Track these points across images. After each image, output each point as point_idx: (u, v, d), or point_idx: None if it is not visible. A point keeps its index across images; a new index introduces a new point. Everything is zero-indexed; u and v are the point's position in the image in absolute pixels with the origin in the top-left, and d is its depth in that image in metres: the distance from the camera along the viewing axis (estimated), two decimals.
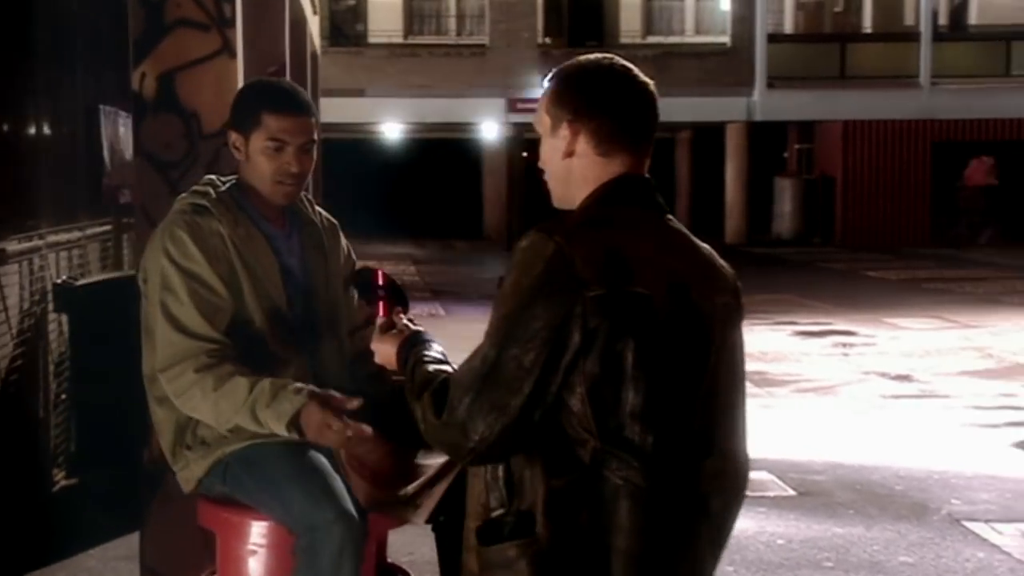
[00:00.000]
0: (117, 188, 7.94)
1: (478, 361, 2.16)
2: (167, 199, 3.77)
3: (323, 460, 2.91)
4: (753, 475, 6.54)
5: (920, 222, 26.47)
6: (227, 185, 3.08)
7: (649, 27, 27.81)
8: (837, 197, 26.69)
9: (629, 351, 2.11)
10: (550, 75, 2.35)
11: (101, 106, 7.98)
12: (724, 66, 26.33)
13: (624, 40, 27.05)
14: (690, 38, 27.43)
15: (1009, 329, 12.97)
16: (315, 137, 3.06)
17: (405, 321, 2.55)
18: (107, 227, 7.82)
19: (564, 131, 2.27)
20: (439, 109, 25.62)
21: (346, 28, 26.82)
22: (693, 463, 2.19)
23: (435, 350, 2.38)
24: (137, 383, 3.07)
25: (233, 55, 3.80)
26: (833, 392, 9.60)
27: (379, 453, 2.87)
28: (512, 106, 26.03)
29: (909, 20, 28.05)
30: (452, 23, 27.47)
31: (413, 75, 25.80)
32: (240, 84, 3.83)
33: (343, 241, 3.23)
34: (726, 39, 26.60)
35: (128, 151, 10.98)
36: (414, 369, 2.32)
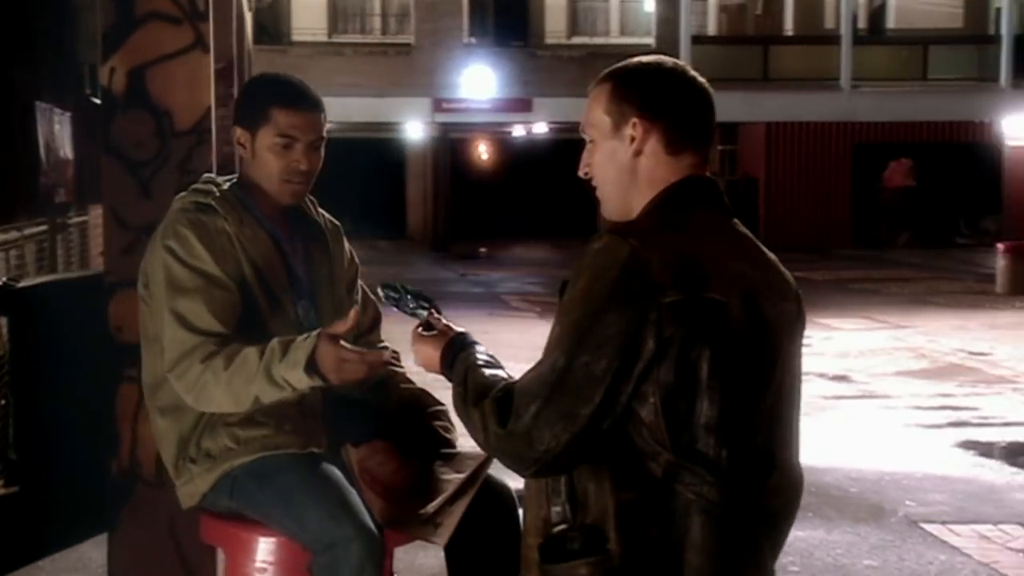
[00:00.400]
0: (53, 187, 7.73)
1: (547, 368, 2.06)
2: (137, 199, 3.63)
3: (338, 473, 2.78)
4: None
5: (841, 223, 26.81)
6: (228, 184, 2.95)
7: (574, 28, 27.86)
8: (760, 198, 26.94)
9: (704, 360, 2.04)
10: (602, 76, 2.26)
11: (37, 103, 7.76)
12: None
13: (549, 40, 27.09)
14: (615, 39, 27.52)
15: (938, 329, 13.12)
16: (324, 134, 2.94)
17: (445, 322, 2.44)
18: (43, 227, 7.61)
19: (632, 129, 2.18)
20: (364, 108, 25.43)
21: (269, 26, 26.52)
22: (761, 477, 2.12)
23: (483, 353, 2.28)
24: (86, 390, 2.92)
25: (207, 50, 3.66)
26: None
27: (391, 466, 2.75)
28: (438, 106, 25.94)
29: (829, 23, 28.40)
30: (377, 22, 27.30)
31: (338, 74, 25.57)
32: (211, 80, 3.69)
33: (346, 244, 3.11)
34: (651, 40, 26.70)
35: (64, 149, 10.74)
36: (467, 374, 2.22)
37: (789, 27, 28.86)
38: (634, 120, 2.18)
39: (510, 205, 29.97)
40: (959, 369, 10.67)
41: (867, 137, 26.78)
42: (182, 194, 2.96)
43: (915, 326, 13.40)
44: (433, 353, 2.35)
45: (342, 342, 2.64)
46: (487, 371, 2.20)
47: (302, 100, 2.91)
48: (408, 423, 2.89)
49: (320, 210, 3.09)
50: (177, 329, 2.77)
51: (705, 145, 2.21)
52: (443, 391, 3.11)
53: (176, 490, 2.93)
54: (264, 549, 2.78)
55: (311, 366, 2.63)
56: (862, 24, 28.11)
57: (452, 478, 2.70)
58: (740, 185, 27.64)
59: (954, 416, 8.67)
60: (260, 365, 2.67)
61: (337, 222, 3.12)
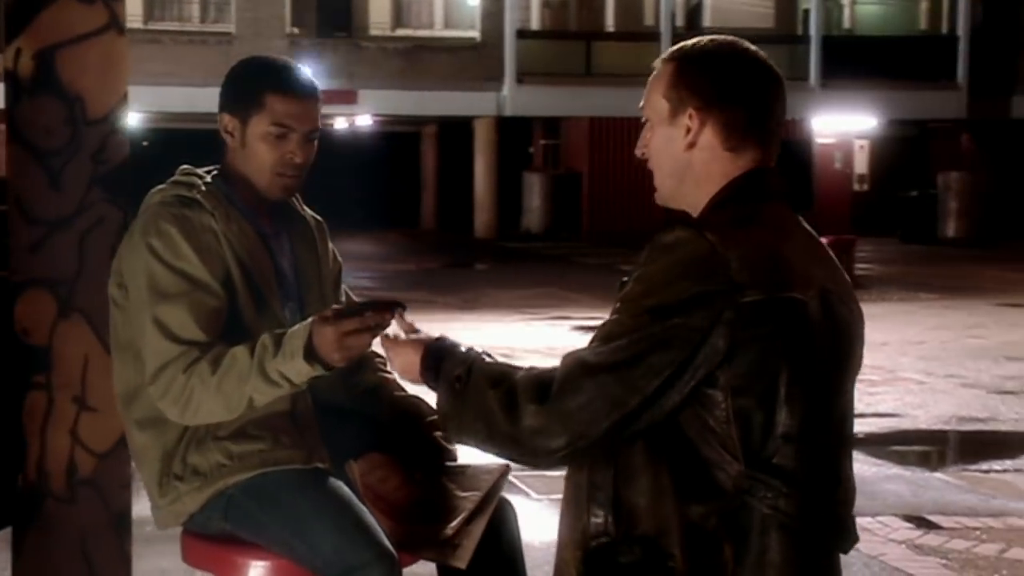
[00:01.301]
0: None
1: (605, 353, 1.92)
2: (46, 192, 3.36)
3: (347, 490, 2.56)
4: None
5: (662, 217, 27.18)
6: (210, 176, 2.71)
7: (399, 20, 27.61)
8: (584, 192, 27.20)
9: (784, 365, 1.92)
10: (669, 55, 2.12)
11: None
12: (474, 61, 26.39)
13: (373, 32, 26.79)
14: (440, 32, 27.39)
15: None
16: (320, 124, 2.73)
17: (416, 327, 2.29)
18: None
19: (687, 120, 2.06)
20: (184, 99, 24.67)
21: None
22: (832, 489, 2.02)
23: (472, 350, 2.13)
24: None
25: (121, 31, 3.39)
26: None
27: (393, 482, 2.55)
28: None
29: (649, 20, 28.84)
30: (195, 10, 26.54)
31: (154, 63, 24.72)
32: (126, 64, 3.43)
33: (329, 241, 2.90)
34: (475, 34, 26.67)
35: None
36: (471, 366, 2.07)
37: (610, 23, 29.20)
38: (691, 111, 2.06)
39: (333, 197, 29.55)
40: None
41: None
42: (160, 187, 2.70)
43: None
44: (412, 358, 2.19)
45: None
46: (494, 361, 2.09)
47: (299, 86, 2.68)
48: (405, 434, 2.70)
49: (303, 206, 2.87)
50: (159, 339, 2.53)
51: (771, 138, 2.09)
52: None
53: (156, 510, 2.66)
54: (262, 574, 2.55)
55: (311, 353, 2.42)
56: (680, 22, 28.62)
57: (467, 495, 2.52)
58: (564, 180, 27.86)
59: None
60: (252, 363, 2.46)
61: (320, 218, 2.91)
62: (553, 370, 1.99)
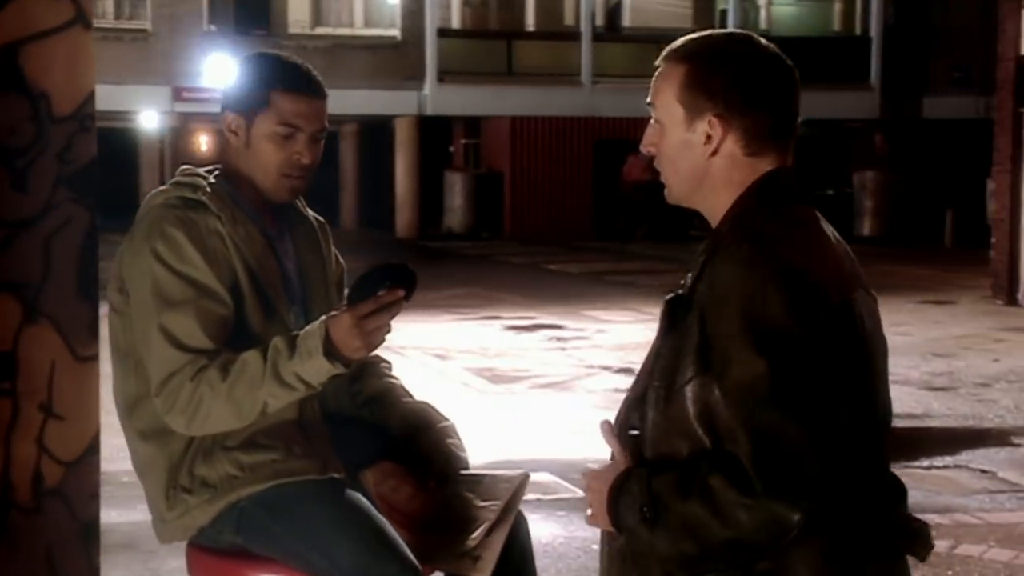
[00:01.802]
0: None
1: (773, 416, 1.78)
2: (10, 192, 3.22)
3: (366, 501, 2.46)
4: (538, 477, 6.40)
5: (584, 217, 27.33)
6: (213, 177, 2.61)
7: (318, 18, 27.38)
8: (506, 192, 27.18)
9: (855, 368, 1.88)
10: (679, 54, 2.00)
11: None
12: (394, 59, 26.28)
13: (293, 30, 26.53)
14: (360, 30, 27.20)
15: None
16: (327, 125, 2.65)
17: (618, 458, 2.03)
18: None
19: (708, 128, 1.95)
20: (99, 97, 24.23)
21: None
22: (882, 490, 1.98)
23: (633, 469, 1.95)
24: None
25: (88, 26, 3.27)
26: (569, 387, 9.65)
27: (406, 491, 2.47)
28: (178, 95, 25.02)
29: (569, 20, 28.91)
30: (110, 5, 26.06)
31: None
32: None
33: (331, 244, 2.81)
34: (396, 32, 26.55)
35: None
36: (649, 486, 1.88)
37: (531, 23, 29.22)
38: (711, 118, 1.95)
39: None
40: None
41: (608, 133, 27.38)
42: (162, 188, 2.60)
43: None
44: (603, 496, 1.98)
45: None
46: (660, 474, 1.89)
47: (308, 85, 2.60)
48: (415, 442, 2.62)
49: (305, 206, 2.79)
50: (165, 348, 2.43)
51: (791, 139, 2.02)
52: (444, 405, 2.84)
53: (161, 523, 2.56)
54: None
55: (330, 350, 2.33)
56: (600, 21, 28.74)
57: (487, 505, 2.44)
58: (486, 179, 27.81)
59: None
60: (265, 367, 2.37)
61: (322, 219, 2.83)
62: (726, 453, 1.83)
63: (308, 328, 2.40)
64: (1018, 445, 7.81)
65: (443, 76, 26.16)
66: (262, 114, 2.58)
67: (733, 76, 1.95)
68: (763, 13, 31.04)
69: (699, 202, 2.04)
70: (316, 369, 2.35)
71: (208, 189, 2.57)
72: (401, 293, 2.32)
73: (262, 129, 2.58)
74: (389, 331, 2.38)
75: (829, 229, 2.01)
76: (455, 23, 28.67)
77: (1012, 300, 14.91)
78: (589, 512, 2.04)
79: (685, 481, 1.84)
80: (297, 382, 2.37)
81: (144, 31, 25.28)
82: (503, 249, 23.93)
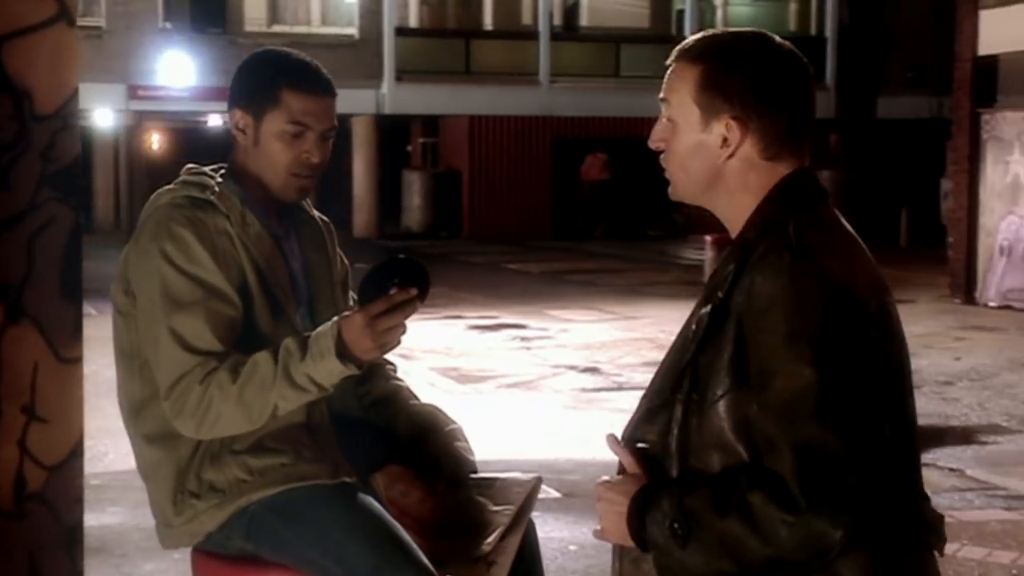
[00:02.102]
0: None
1: (815, 431, 1.75)
2: None
3: (379, 507, 2.42)
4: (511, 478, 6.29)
5: (542, 216, 27.34)
6: (219, 175, 2.57)
7: (275, 16, 27.21)
8: (464, 191, 27.14)
9: (893, 375, 1.86)
10: (693, 52, 1.94)
11: None
12: (352, 58, 26.14)
13: (249, 28, 26.36)
14: (317, 28, 27.05)
15: (666, 319, 13.49)
16: (336, 123, 2.61)
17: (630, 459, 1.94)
18: None
19: (724, 130, 1.90)
20: None
21: None
22: (915, 491, 1.96)
23: (666, 485, 1.87)
24: None
25: (72, 23, 3.22)
26: (536, 387, 9.64)
27: (416, 495, 2.43)
28: (133, 93, 24.81)
29: (527, 19, 28.90)
30: None
31: None
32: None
33: (336, 244, 2.77)
34: (354, 31, 26.43)
35: None
36: (680, 502, 1.81)
37: (489, 22, 29.19)
38: (728, 120, 1.91)
39: None
40: None
41: (566, 132, 27.40)
42: (168, 187, 2.55)
43: (643, 316, 13.75)
44: (619, 509, 1.87)
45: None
46: (694, 490, 1.82)
47: (317, 82, 2.56)
48: (423, 445, 2.58)
49: (311, 206, 2.75)
50: (175, 349, 2.38)
51: (807, 139, 1.97)
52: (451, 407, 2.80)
53: (167, 528, 2.50)
54: None
55: (342, 351, 2.29)
56: (557, 21, 28.74)
57: (501, 510, 2.41)
58: (444, 178, 27.76)
59: None
60: (276, 369, 2.32)
61: (327, 219, 2.79)
62: (766, 469, 1.78)
63: (320, 329, 2.36)
64: (984, 443, 7.88)
65: (401, 75, 26.07)
66: (271, 112, 2.53)
67: (750, 76, 1.91)
68: (720, 13, 31.16)
69: (709, 202, 1.99)
70: (328, 370, 2.31)
71: (216, 188, 2.52)
72: (414, 292, 2.29)
73: (271, 127, 2.53)
74: (404, 331, 2.35)
75: (852, 231, 1.98)
76: (413, 22, 28.59)
77: (970, 299, 15.05)
78: (598, 527, 1.96)
79: (722, 497, 1.79)
80: (309, 384, 2.33)
81: (98, 28, 25.02)
82: (462, 248, 23.89)
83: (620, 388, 9.62)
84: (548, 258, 21.63)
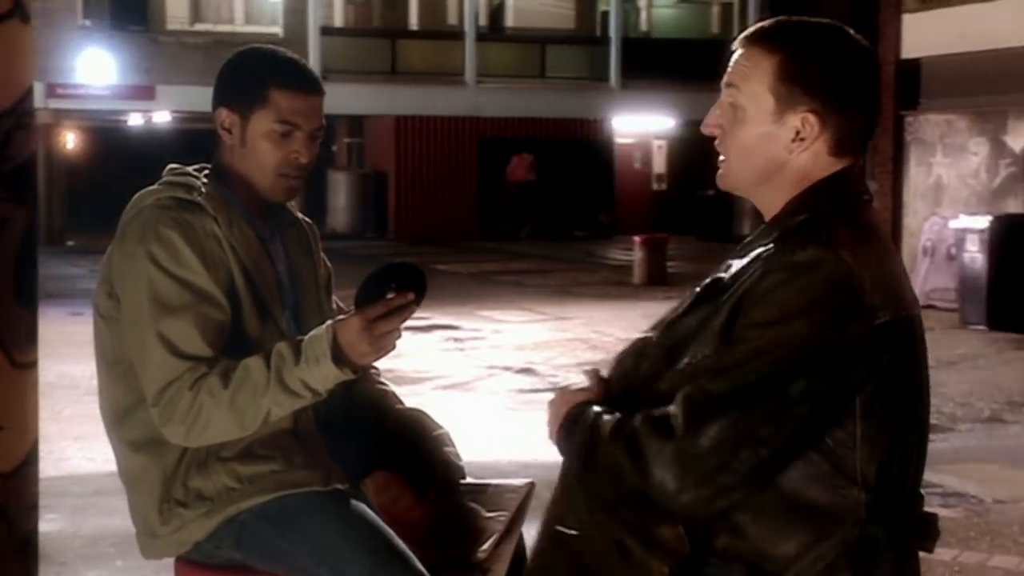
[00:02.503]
0: None
1: (734, 384, 1.74)
2: None
3: (373, 514, 2.36)
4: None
5: (469, 216, 27.31)
6: (204, 176, 2.50)
7: (197, 14, 26.91)
8: (390, 192, 27.03)
9: (909, 386, 1.84)
10: (774, 39, 1.87)
11: None
12: None
13: (171, 26, 26.06)
14: (241, 27, 26.78)
15: (598, 319, 13.55)
16: (324, 123, 2.56)
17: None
18: None
19: (799, 124, 1.86)
20: None
21: None
22: (918, 498, 1.96)
23: (602, 408, 1.90)
24: None
25: (26, 19, 3.09)
26: (472, 388, 9.60)
27: (405, 502, 2.39)
28: (52, 91, 24.39)
29: (453, 19, 28.86)
30: None
31: None
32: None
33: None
34: (278, 30, 26.19)
35: None
36: (594, 426, 1.85)
37: (415, 22, 29.11)
38: (806, 114, 1.86)
39: (128, 196, 28.67)
40: None
41: (492, 132, 27.40)
42: (152, 188, 2.48)
43: (575, 317, 13.77)
44: (554, 421, 1.95)
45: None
46: (607, 415, 1.85)
47: (306, 81, 2.49)
48: (412, 450, 2.53)
49: (295, 208, 2.69)
50: (163, 355, 2.32)
51: (867, 144, 1.96)
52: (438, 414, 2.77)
53: (151, 538, 2.42)
54: None
55: (338, 355, 2.25)
56: (483, 21, 28.74)
57: (495, 516, 2.37)
58: (370, 179, 27.64)
59: None
60: (269, 374, 2.27)
61: (310, 221, 2.73)
62: (668, 408, 1.80)
63: (314, 333, 2.31)
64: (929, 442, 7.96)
65: (326, 74, 25.80)
66: (259, 111, 2.47)
67: (833, 69, 1.86)
68: (644, 15, 31.36)
69: (760, 195, 1.94)
70: (324, 375, 2.27)
71: (202, 190, 2.46)
72: (411, 296, 2.26)
73: (259, 127, 2.48)
74: (399, 336, 2.31)
75: (886, 235, 1.96)
76: (338, 21, 28.42)
77: None
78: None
79: (620, 425, 1.82)
80: (303, 389, 2.29)
81: None
82: (389, 249, 23.79)
83: (556, 389, 9.61)
84: (476, 259, 21.60)
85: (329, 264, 2.74)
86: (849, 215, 1.88)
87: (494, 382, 9.85)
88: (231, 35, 26.07)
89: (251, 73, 2.51)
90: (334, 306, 2.69)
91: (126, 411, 2.43)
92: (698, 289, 1.93)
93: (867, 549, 1.83)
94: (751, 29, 1.94)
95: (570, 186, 27.88)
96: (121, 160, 29.12)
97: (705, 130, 1.96)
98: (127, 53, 25.03)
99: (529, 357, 11.01)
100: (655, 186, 30.88)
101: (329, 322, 2.32)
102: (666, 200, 30.45)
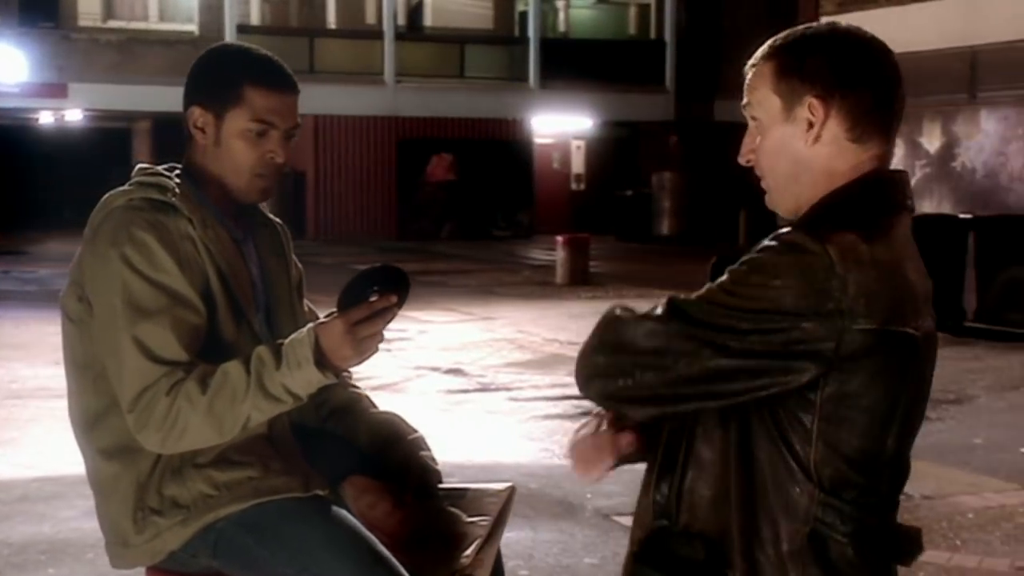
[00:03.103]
0: None
1: (693, 305, 1.79)
2: None
3: (355, 520, 2.28)
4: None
5: (388, 216, 27.17)
6: (175, 176, 2.39)
7: (110, 11, 26.47)
8: (308, 192, 26.79)
9: (885, 397, 1.81)
10: (769, 50, 1.91)
11: None
12: (192, 55, 25.35)
13: (84, 23, 25.61)
14: (155, 24, 26.43)
15: (522, 319, 13.51)
16: (300, 121, 2.47)
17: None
18: None
19: (807, 112, 1.86)
20: None
21: None
22: (896, 509, 1.94)
23: None
24: None
25: None
26: (402, 390, 9.50)
27: (383, 507, 2.31)
28: None
29: (371, 19, 28.69)
30: None
31: None
32: None
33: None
34: (194, 28, 25.86)
35: None
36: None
37: (332, 21, 28.89)
38: (810, 100, 1.86)
39: (39, 196, 28.13)
40: (562, 359, 10.98)
41: (411, 132, 27.29)
42: (123, 189, 2.37)
43: (500, 317, 13.73)
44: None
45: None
46: None
47: (281, 79, 2.41)
48: (388, 455, 2.46)
49: (267, 209, 2.60)
50: (138, 360, 2.22)
51: (895, 126, 1.91)
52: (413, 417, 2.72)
53: (124, 547, 2.32)
54: None
55: (320, 359, 2.18)
56: (401, 21, 28.61)
57: (476, 521, 2.31)
58: (288, 179, 27.35)
59: (580, 405, 8.87)
60: (249, 379, 2.19)
61: (281, 221, 2.64)
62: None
63: (295, 337, 2.23)
64: None
65: None
66: (234, 110, 2.39)
67: (827, 56, 1.87)
68: (561, 16, 31.43)
69: (799, 202, 1.91)
70: (307, 380, 2.20)
71: (176, 190, 2.37)
72: (394, 299, 2.20)
73: (234, 126, 2.39)
74: (382, 340, 2.24)
75: (915, 245, 1.92)
76: (255, 19, 28.10)
77: None
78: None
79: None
80: (285, 394, 2.21)
81: None
82: (308, 249, 23.52)
83: (486, 389, 9.57)
84: (397, 259, 21.42)
85: (300, 266, 2.66)
86: (864, 220, 1.84)
87: (423, 383, 9.77)
88: (144, 32, 25.73)
89: (226, 71, 2.42)
90: (306, 308, 2.61)
91: (97, 417, 2.34)
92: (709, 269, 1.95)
93: (819, 546, 1.83)
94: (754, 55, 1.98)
95: (489, 186, 27.87)
96: (32, 159, 28.56)
97: (742, 161, 1.97)
98: (38, 50, 24.54)
99: (457, 357, 10.94)
100: (574, 186, 30.99)
101: (310, 325, 2.25)
102: (585, 200, 30.57)
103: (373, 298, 2.18)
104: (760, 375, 1.77)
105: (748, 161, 1.96)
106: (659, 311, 1.81)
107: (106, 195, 2.39)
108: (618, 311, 1.86)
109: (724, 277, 1.81)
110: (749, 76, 1.94)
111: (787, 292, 1.75)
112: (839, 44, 1.89)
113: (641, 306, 1.91)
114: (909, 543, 1.94)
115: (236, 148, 2.39)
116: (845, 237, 1.80)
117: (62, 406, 2.49)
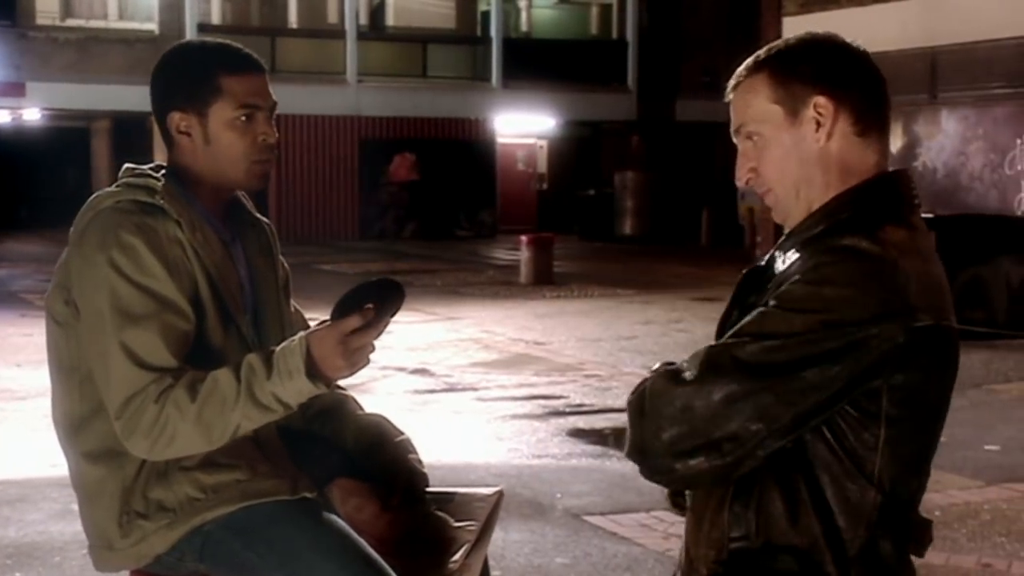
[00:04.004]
0: None
1: (762, 350, 1.74)
2: None
3: (343, 523, 2.26)
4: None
5: (350, 216, 27.08)
6: (161, 176, 2.36)
7: (68, 9, 26.23)
8: (270, 191, 26.63)
9: (938, 394, 1.84)
10: (755, 64, 1.91)
11: None
12: (152, 54, 25.34)
13: (42, 22, 25.38)
14: (114, 23, 26.21)
15: (488, 319, 13.50)
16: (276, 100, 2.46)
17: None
18: None
19: (814, 112, 1.86)
20: None
21: None
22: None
23: None
24: None
25: None
26: (368, 390, 9.45)
27: (370, 510, 2.29)
28: None
29: (333, 18, 28.58)
30: None
31: None
32: None
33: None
34: (154, 26, 25.68)
35: None
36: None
37: (294, 20, 28.76)
38: (815, 99, 1.87)
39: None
40: (528, 359, 11.00)
41: (373, 132, 27.21)
42: (110, 190, 2.33)
43: (465, 317, 13.71)
44: None
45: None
46: None
47: (250, 61, 2.39)
48: (374, 457, 2.44)
49: (254, 209, 2.57)
50: (126, 366, 2.19)
51: (887, 125, 1.94)
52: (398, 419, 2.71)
53: (109, 551, 2.29)
54: None
55: (312, 369, 2.16)
56: (363, 20, 28.51)
57: (464, 526, 2.29)
58: None
59: (547, 405, 8.91)
60: (239, 387, 2.16)
61: (268, 221, 2.61)
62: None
63: (286, 345, 2.21)
64: None
65: None
66: (216, 103, 2.36)
67: (821, 57, 1.90)
68: (524, 16, 31.43)
69: (810, 206, 1.90)
70: (298, 390, 2.17)
71: (164, 193, 2.34)
72: (387, 310, 2.17)
73: (220, 119, 2.36)
74: (373, 350, 2.22)
75: (930, 241, 1.94)
76: (216, 18, 27.92)
77: None
78: None
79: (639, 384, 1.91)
80: (275, 403, 2.18)
81: None
82: None
83: (452, 389, 9.55)
84: (360, 259, 21.41)
85: (287, 266, 2.64)
86: (898, 216, 1.87)
87: (390, 383, 9.74)
88: (104, 31, 25.52)
89: (195, 68, 2.39)
90: (292, 309, 2.59)
91: (82, 421, 2.31)
92: (738, 281, 1.96)
93: (874, 551, 1.85)
94: (735, 73, 1.97)
95: (452, 186, 27.83)
96: None
97: (740, 183, 1.97)
98: None
99: (423, 357, 10.92)
100: (536, 186, 30.99)
101: (302, 334, 2.22)
102: (547, 199, 30.58)
103: (367, 307, 2.15)
104: (848, 389, 1.77)
105: (748, 181, 1.95)
106: (717, 368, 1.78)
107: (93, 196, 2.36)
108: (649, 384, 1.84)
109: (777, 304, 1.79)
110: (735, 95, 1.94)
111: (864, 300, 1.76)
112: (826, 47, 1.91)
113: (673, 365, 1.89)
114: (924, 534, 1.95)
115: (228, 140, 2.37)
116: (896, 233, 1.82)
117: (26, 408, 2.46)
